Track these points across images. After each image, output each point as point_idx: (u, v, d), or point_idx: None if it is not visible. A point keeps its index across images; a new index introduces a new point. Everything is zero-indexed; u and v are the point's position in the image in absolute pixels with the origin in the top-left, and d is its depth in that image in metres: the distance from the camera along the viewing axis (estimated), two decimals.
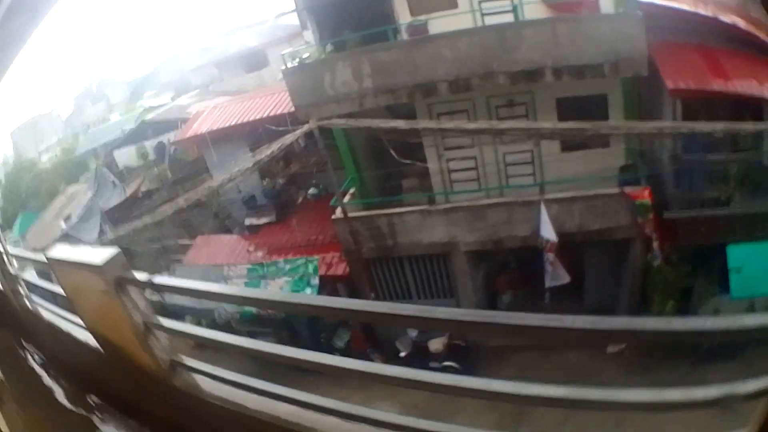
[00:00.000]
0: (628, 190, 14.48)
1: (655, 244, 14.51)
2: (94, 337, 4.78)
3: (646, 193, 14.27)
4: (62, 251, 4.41)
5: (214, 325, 19.84)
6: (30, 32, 4.92)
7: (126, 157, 34.96)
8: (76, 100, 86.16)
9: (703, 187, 15.06)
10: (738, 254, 14.72)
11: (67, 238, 26.21)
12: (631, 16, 14.23)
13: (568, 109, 15.16)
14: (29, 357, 7.02)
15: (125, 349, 4.19)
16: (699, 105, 14.74)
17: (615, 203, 14.65)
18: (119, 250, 3.74)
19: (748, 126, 14.23)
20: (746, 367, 14.27)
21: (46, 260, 4.81)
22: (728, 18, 16.72)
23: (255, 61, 35.31)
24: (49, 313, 6.38)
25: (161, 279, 3.54)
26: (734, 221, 14.97)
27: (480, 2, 15.64)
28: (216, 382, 3.73)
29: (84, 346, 5.05)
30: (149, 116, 36.73)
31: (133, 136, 35.63)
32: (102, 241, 22.48)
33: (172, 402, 4.22)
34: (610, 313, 15.16)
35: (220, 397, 3.70)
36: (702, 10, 17.14)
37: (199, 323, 20.61)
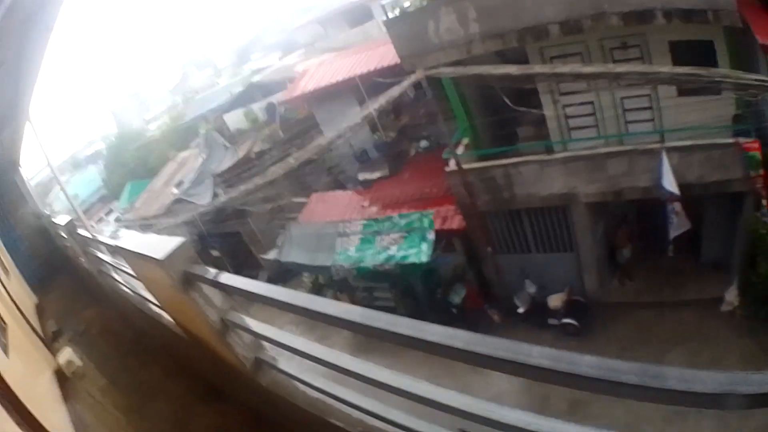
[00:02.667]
0: (741, 140, 13.96)
1: (765, 201, 13.95)
2: (177, 324, 4.94)
3: (756, 145, 13.79)
4: (130, 240, 4.49)
5: (331, 281, 20.90)
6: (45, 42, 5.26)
7: (236, 119, 35.79)
8: (182, 68, 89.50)
9: None
10: None
11: (180, 203, 27.47)
12: None
13: (680, 52, 14.76)
14: (117, 337, 7.48)
15: (206, 342, 4.25)
16: None
17: (731, 154, 14.08)
18: (184, 240, 3.72)
19: None
20: None
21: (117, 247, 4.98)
22: None
23: (359, 16, 35.52)
24: (135, 295, 6.70)
25: (226, 277, 3.39)
26: None
27: None
28: (301, 385, 3.76)
29: (169, 330, 5.25)
30: (256, 78, 37.38)
31: (242, 99, 36.40)
32: (214, 203, 23.23)
33: (256, 397, 4.33)
34: (724, 270, 15.58)
35: (305, 400, 3.72)
36: None
37: (316, 280, 21.38)
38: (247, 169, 24.43)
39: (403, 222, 18.53)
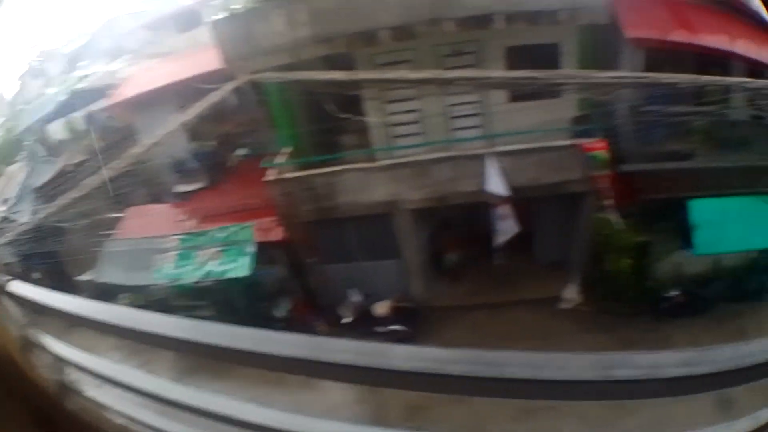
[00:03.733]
0: (582, 142, 14.12)
1: (610, 200, 14.19)
2: None
3: (602, 145, 13.96)
4: None
5: (151, 302, 18.85)
6: None
7: (58, 130, 33.48)
8: (21, 78, 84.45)
9: (664, 141, 14.81)
10: (701, 210, 14.62)
11: (5, 221, 25.00)
12: None
13: (517, 58, 14.47)
14: None
15: (10, 358, 3.73)
16: (661, 56, 14.36)
17: (568, 156, 14.25)
18: None
19: (715, 79, 13.91)
20: (714, 325, 14.02)
21: None
22: None
23: (188, 21, 34.17)
24: None
25: (18, 287, 2.68)
26: (697, 176, 14.83)
27: None
28: (111, 412, 3.31)
29: None
30: (80, 86, 35.48)
31: (65, 108, 33.79)
32: (32, 221, 21.36)
33: (64, 424, 3.84)
34: (561, 270, 15.40)
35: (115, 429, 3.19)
36: None
37: (134, 301, 19.81)
38: (65, 182, 22.57)
39: (221, 235, 17.55)
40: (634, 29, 14.08)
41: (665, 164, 15.09)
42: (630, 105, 14.69)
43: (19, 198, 26.34)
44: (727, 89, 14.58)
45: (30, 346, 3.55)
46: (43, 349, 3.27)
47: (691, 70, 14.10)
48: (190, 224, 19.19)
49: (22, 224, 22.13)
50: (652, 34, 14.22)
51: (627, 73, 14.13)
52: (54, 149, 30.77)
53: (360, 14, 14.16)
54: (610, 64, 14.84)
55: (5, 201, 27.44)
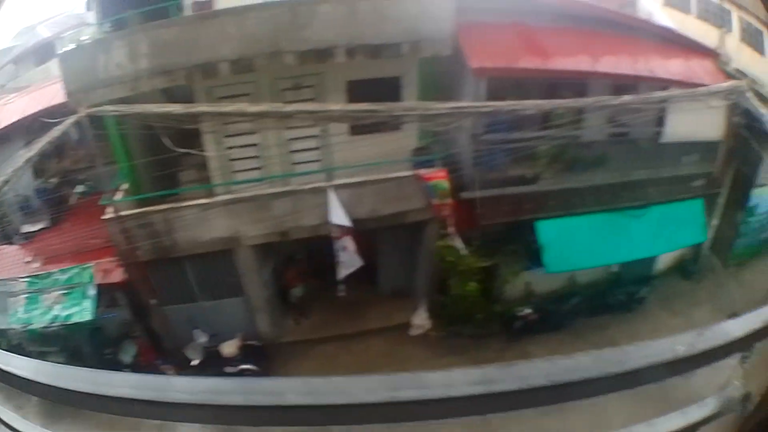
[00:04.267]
0: (422, 172, 14.17)
1: (452, 228, 14.25)
2: None
3: (442, 174, 14.06)
4: None
5: (12, 346, 17.73)
6: None
7: None
8: None
9: (507, 166, 14.96)
10: (548, 230, 14.93)
11: None
12: None
13: (358, 92, 14.32)
14: None
15: None
16: (507, 83, 14.53)
17: (408, 186, 14.25)
18: None
19: (561, 103, 14.11)
20: (574, 339, 14.43)
21: None
22: None
23: (44, 54, 33.55)
24: None
25: None
26: (543, 198, 15.13)
27: None
28: None
29: None
30: None
31: None
32: None
33: None
34: (405, 298, 15.49)
35: None
36: None
37: None
38: None
39: (63, 277, 16.64)
40: (476, 59, 14.12)
41: (507, 189, 15.25)
42: (473, 133, 14.74)
43: None
44: (579, 110, 14.79)
45: None
46: None
47: (541, 92, 14.54)
48: (35, 266, 18.17)
49: None
50: (495, 63, 14.29)
51: (468, 102, 14.22)
52: None
53: (200, 46, 13.75)
54: (454, 93, 15.00)
55: None
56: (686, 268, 19.74)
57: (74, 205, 20.41)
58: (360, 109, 13.15)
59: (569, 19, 15.80)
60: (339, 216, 13.83)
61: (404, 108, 13.62)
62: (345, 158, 14.63)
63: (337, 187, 14.00)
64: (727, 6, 22.88)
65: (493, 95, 14.13)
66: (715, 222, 19.48)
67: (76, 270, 16.55)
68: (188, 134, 14.83)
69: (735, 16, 22.97)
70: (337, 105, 13.78)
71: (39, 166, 18.73)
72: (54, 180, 21.11)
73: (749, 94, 16.59)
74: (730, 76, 18.06)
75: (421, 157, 14.65)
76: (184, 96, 14.80)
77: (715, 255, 19.93)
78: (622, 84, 15.73)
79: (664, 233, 17.08)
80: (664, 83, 16.23)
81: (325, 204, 13.89)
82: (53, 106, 18.02)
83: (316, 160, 15.61)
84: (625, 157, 16.61)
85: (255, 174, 15.82)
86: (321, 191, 14.06)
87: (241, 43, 13.58)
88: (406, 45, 13.50)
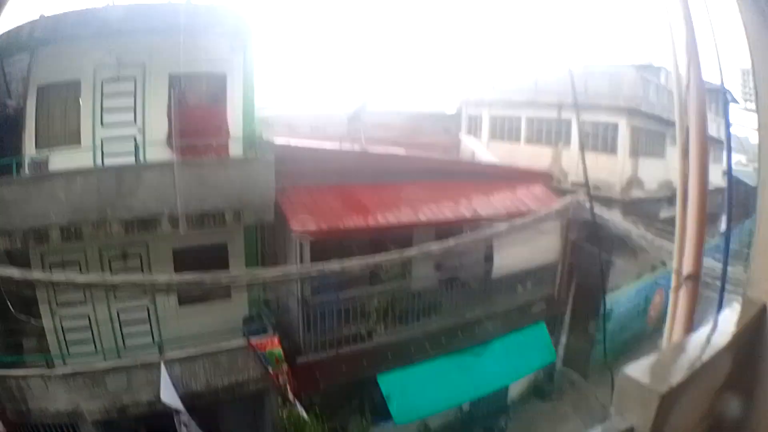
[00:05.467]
0: (255, 340, 13.84)
1: (290, 394, 13.95)
2: None
3: (275, 341, 13.81)
4: None
5: None
6: None
7: None
8: None
9: (340, 326, 14.89)
10: (390, 382, 14.88)
11: None
12: (260, 161, 13.86)
13: (185, 260, 14.28)
14: None
15: None
16: (331, 244, 14.61)
17: (242, 356, 13.90)
18: None
19: (386, 257, 14.27)
20: None
21: None
22: (389, 150, 17.20)
23: None
24: None
25: None
26: (381, 351, 15.16)
27: (103, 140, 14.48)
28: None
29: None
30: None
31: None
32: None
33: None
34: None
35: None
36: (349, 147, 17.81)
37: None
38: None
39: None
40: (298, 223, 14.21)
41: (343, 348, 15.23)
42: (302, 296, 14.83)
43: None
44: (405, 262, 15.03)
45: None
46: None
47: (368, 250, 14.62)
48: None
49: None
50: (316, 225, 14.35)
51: (293, 266, 14.32)
52: None
53: (33, 209, 13.33)
54: (282, 258, 15.32)
55: None
56: (542, 389, 20.21)
57: None
58: (186, 279, 12.93)
59: (390, 174, 16.51)
60: (169, 395, 13.34)
61: (230, 277, 13.45)
62: (176, 329, 14.44)
63: (170, 362, 13.48)
64: (567, 115, 23.74)
65: (318, 256, 14.20)
66: (563, 339, 19.95)
67: None
68: (30, 300, 14.52)
69: (575, 124, 23.91)
70: (164, 275, 13.56)
71: None
72: None
73: (588, 204, 17.11)
74: (565, 192, 18.59)
75: (253, 326, 14.54)
76: (25, 259, 14.45)
77: (572, 369, 20.39)
78: (448, 229, 16.19)
79: (511, 362, 17.44)
80: (490, 220, 16.67)
81: (158, 380, 13.30)
82: None
83: (147, 333, 15.31)
84: (459, 298, 17.04)
85: (88, 347, 15.35)
86: (154, 366, 13.47)
87: (70, 210, 13.29)
88: (229, 213, 13.61)
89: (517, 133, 28.42)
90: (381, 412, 15.41)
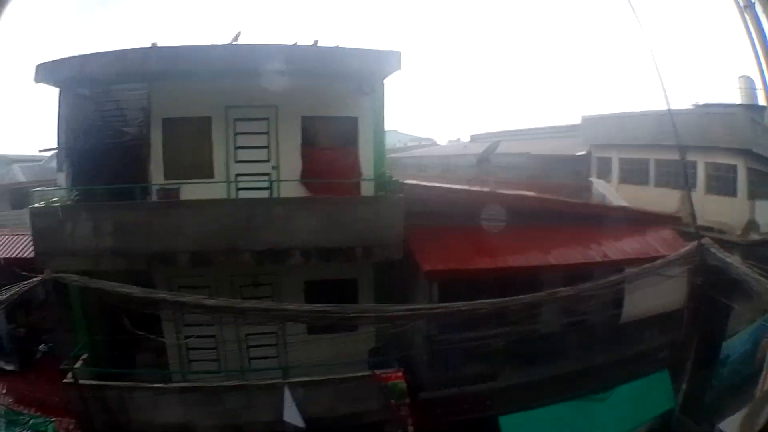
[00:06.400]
0: (380, 372, 13.75)
1: (410, 428, 13.73)
2: None
3: (399, 374, 13.68)
4: None
5: None
6: None
7: None
8: None
9: (464, 365, 14.60)
10: (511, 424, 14.31)
11: None
12: (390, 200, 13.93)
13: (316, 291, 14.51)
14: None
15: None
16: (459, 283, 14.40)
17: (365, 386, 13.82)
18: None
19: (514, 300, 13.75)
20: None
21: None
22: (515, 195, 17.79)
23: (21, 198, 33.31)
24: None
25: None
26: (503, 393, 14.66)
27: (237, 175, 14.92)
28: None
29: None
30: None
31: None
32: None
33: None
34: None
35: None
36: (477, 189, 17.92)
37: None
38: None
39: (31, 422, 15.89)
40: (428, 263, 14.16)
41: (465, 387, 14.86)
42: (428, 334, 14.50)
43: None
44: (534, 304, 14.45)
45: None
46: None
47: (493, 290, 14.08)
48: (9, 401, 17.66)
49: None
50: (446, 266, 14.29)
51: (421, 305, 14.03)
52: None
53: (160, 235, 13.68)
54: (408, 295, 15.00)
55: None
56: None
57: (38, 359, 20.14)
58: (314, 310, 13.03)
59: (519, 216, 15.88)
60: (292, 415, 13.36)
61: (359, 310, 13.57)
62: (302, 356, 14.45)
63: (293, 385, 13.58)
64: (692, 158, 22.65)
65: (445, 295, 13.99)
66: (684, 386, 19.01)
67: (41, 420, 15.92)
68: (149, 317, 14.47)
69: (701, 165, 22.79)
70: (293, 305, 13.51)
71: (11, 313, 18.32)
72: (22, 330, 20.92)
73: (714, 249, 16.30)
74: (692, 237, 17.69)
75: (378, 358, 14.46)
76: (146, 279, 14.61)
77: (687, 416, 19.45)
78: (577, 273, 15.61)
79: (632, 409, 16.68)
80: (619, 264, 16.11)
81: (280, 402, 13.37)
82: (22, 259, 18.00)
83: (273, 356, 15.48)
84: (585, 343, 16.30)
85: (211, 365, 15.61)
86: (277, 388, 13.57)
87: (201, 237, 13.58)
88: (359, 250, 13.70)
89: (646, 176, 27.35)
90: None
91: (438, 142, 39.27)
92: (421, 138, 42.69)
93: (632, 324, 16.80)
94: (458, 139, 37.23)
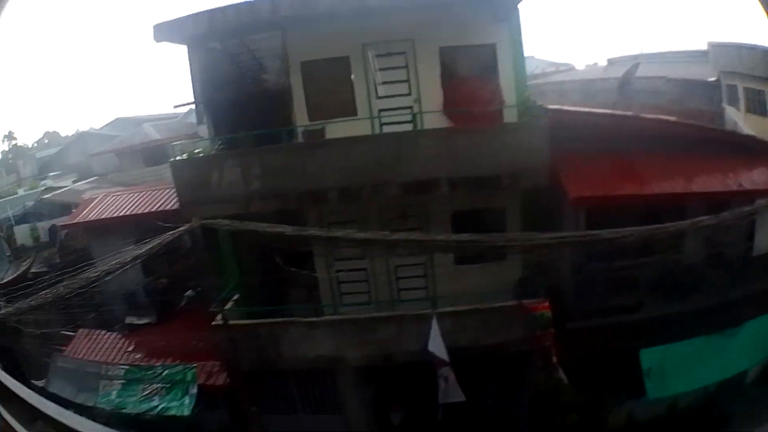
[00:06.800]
0: (526, 302, 13.74)
1: (554, 359, 13.66)
2: None
3: (546, 304, 13.60)
4: None
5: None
6: None
7: (23, 234, 32.87)
8: None
9: (609, 295, 14.61)
10: (652, 357, 14.17)
11: None
12: (534, 126, 13.72)
13: (464, 221, 14.38)
14: None
15: None
16: (605, 211, 14.15)
17: (511, 317, 13.88)
18: None
19: (660, 228, 13.30)
20: None
21: None
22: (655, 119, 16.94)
23: (156, 156, 34.02)
24: None
25: None
26: (645, 325, 14.44)
27: (380, 110, 15.10)
28: None
29: None
30: (47, 196, 35.20)
31: (32, 215, 34.04)
32: None
33: None
34: (510, 429, 14.77)
35: None
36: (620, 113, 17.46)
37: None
38: (25, 287, 21.63)
39: (165, 372, 16.90)
40: (575, 189, 14.10)
41: (610, 319, 14.74)
42: (573, 263, 14.65)
43: None
44: (678, 233, 14.14)
45: None
46: None
47: (639, 218, 13.84)
48: (137, 357, 18.58)
49: None
50: (592, 192, 14.20)
51: (568, 233, 13.85)
52: (16, 251, 30.60)
53: (309, 173, 14.15)
54: (554, 223, 14.82)
55: None
56: None
57: (182, 307, 20.82)
58: (463, 239, 13.00)
59: (661, 142, 15.61)
60: (437, 346, 13.54)
61: (507, 239, 13.49)
62: (451, 287, 14.68)
63: (441, 315, 13.69)
64: None
65: (590, 223, 13.95)
66: None
67: (179, 368, 16.79)
68: (300, 254, 15.37)
69: None
70: (441, 235, 13.66)
71: (148, 266, 18.99)
72: (164, 281, 21.62)
73: None
74: None
75: (524, 288, 14.30)
76: (297, 218, 15.00)
77: None
78: (716, 202, 15.17)
79: (759, 345, 16.49)
80: (753, 195, 15.48)
81: (427, 331, 13.55)
82: (167, 211, 18.74)
83: (422, 287, 15.69)
84: (722, 276, 16.10)
85: (362, 298, 16.01)
86: (425, 318, 13.72)
87: (349, 173, 13.90)
88: (505, 177, 13.66)
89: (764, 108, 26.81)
90: (634, 386, 14.61)
91: (576, 67, 38.64)
92: (559, 63, 42.13)
93: (763, 257, 16.56)
94: (595, 63, 36.70)
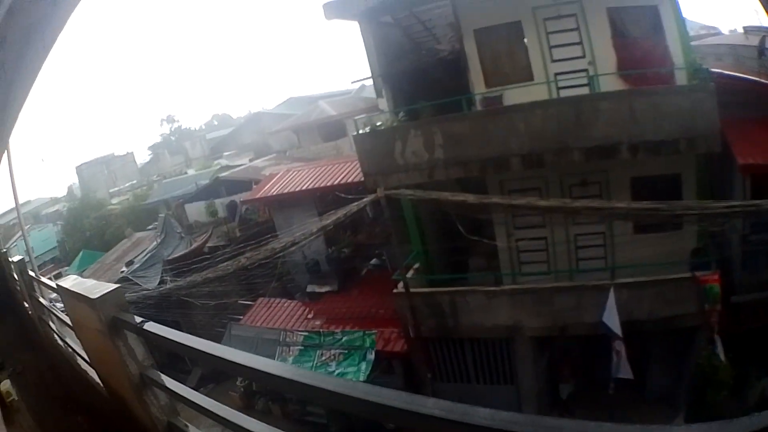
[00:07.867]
0: (699, 274, 13.92)
1: (716, 335, 13.99)
2: (97, 374, 4.91)
3: (716, 277, 13.74)
4: (71, 281, 4.42)
5: (264, 389, 21.61)
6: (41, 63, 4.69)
7: (197, 211, 35.81)
8: (153, 149, 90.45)
9: None
10: None
11: (125, 281, 26.92)
12: (704, 89, 13.75)
13: (642, 189, 14.91)
14: (49, 387, 7.17)
15: (123, 396, 4.09)
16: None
17: (683, 289, 14.12)
18: (119, 286, 3.68)
19: None
20: None
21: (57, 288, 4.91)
22: None
23: (333, 131, 36.72)
24: (66, 345, 6.77)
25: (153, 326, 3.33)
26: None
27: (556, 74, 15.67)
28: None
29: (93, 388, 5.21)
30: (224, 174, 37.75)
31: (206, 192, 36.51)
32: (159, 289, 23.41)
33: None
34: (672, 406, 15.06)
35: None
36: None
37: (249, 386, 22.16)
38: (198, 261, 24.01)
39: (344, 339, 18.51)
40: (744, 157, 14.15)
41: None
42: (740, 234, 14.69)
43: (145, 264, 28.92)
44: None
45: (147, 385, 3.71)
46: (159, 387, 3.65)
47: None
48: (316, 324, 20.48)
49: (145, 289, 24.08)
50: (765, 160, 14.13)
51: (740, 202, 13.89)
52: (188, 228, 33.83)
53: (491, 141, 14.88)
54: (725, 191, 15.23)
55: (130, 263, 30.82)
56: None
57: (364, 275, 22.76)
58: (644, 207, 13.42)
59: None
60: (611, 319, 13.98)
61: (684, 207, 13.66)
62: (628, 257, 15.15)
63: (618, 286, 13.97)
64: None
65: (755, 193, 14.01)
66: None
67: (359, 334, 18.34)
68: (480, 222, 16.10)
69: None
70: (623, 203, 14.07)
71: (331, 236, 20.98)
72: (346, 251, 23.59)
73: None
74: None
75: (699, 259, 14.39)
76: (477, 186, 16.10)
77: None
78: None
79: None
80: None
81: (604, 303, 13.85)
82: (347, 183, 20.68)
83: (601, 257, 16.24)
84: None
85: (541, 267, 16.77)
86: (603, 289, 14.03)
87: (530, 139, 14.53)
88: (683, 141, 13.72)
89: None
90: None
91: (722, 31, 38.12)
92: (709, 26, 41.71)
93: None
94: (735, 30, 36.44)
